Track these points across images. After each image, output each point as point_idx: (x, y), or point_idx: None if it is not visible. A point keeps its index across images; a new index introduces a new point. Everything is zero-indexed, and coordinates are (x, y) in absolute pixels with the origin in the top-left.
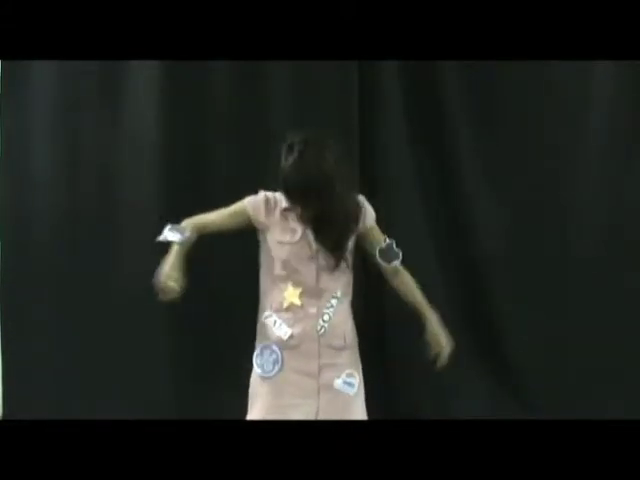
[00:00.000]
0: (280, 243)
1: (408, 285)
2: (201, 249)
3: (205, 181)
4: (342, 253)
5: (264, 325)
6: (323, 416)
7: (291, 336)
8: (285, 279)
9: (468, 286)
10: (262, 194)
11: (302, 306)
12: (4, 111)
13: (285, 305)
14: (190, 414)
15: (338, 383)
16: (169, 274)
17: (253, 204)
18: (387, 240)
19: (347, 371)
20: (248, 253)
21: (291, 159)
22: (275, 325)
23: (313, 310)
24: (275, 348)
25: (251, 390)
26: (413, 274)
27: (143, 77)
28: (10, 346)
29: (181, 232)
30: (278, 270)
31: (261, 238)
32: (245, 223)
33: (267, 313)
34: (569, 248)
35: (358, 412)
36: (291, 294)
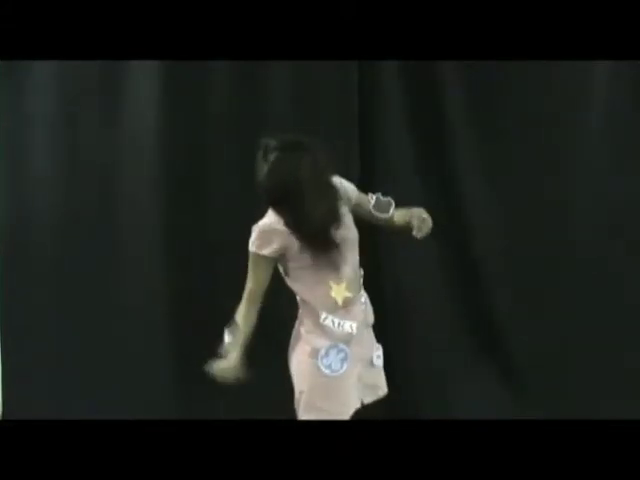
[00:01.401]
0: (303, 253)
1: (397, 213)
2: (201, 249)
3: (205, 181)
4: (332, 243)
5: (322, 327)
6: (367, 392)
7: (357, 328)
8: (324, 280)
9: (468, 286)
10: (257, 229)
11: (352, 297)
12: (4, 111)
13: (340, 303)
14: (190, 414)
15: (374, 359)
16: (224, 368)
17: (261, 243)
18: (372, 196)
19: (376, 345)
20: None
21: (265, 167)
22: (335, 325)
23: (358, 296)
24: (342, 346)
25: (315, 390)
26: (413, 274)
27: (143, 77)
28: (10, 346)
29: (232, 332)
30: (312, 276)
31: (281, 260)
32: (273, 264)
33: (324, 315)
34: (569, 248)
35: (384, 384)
36: (338, 291)
